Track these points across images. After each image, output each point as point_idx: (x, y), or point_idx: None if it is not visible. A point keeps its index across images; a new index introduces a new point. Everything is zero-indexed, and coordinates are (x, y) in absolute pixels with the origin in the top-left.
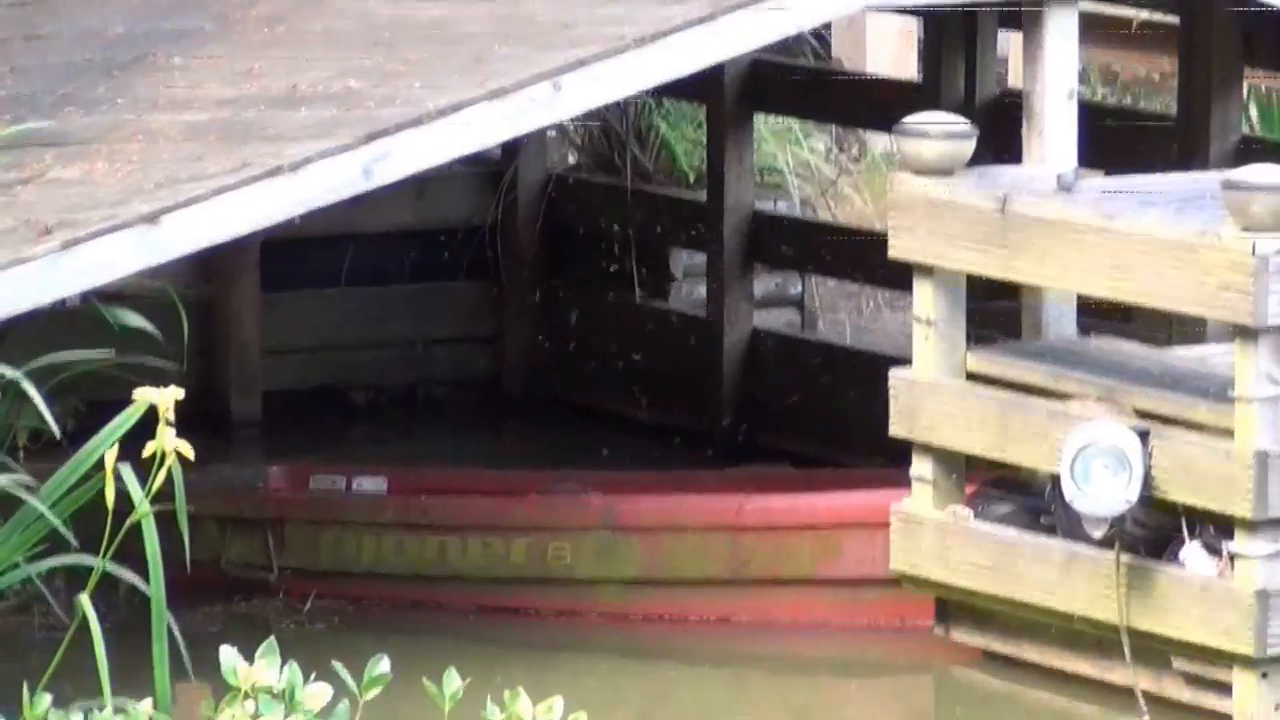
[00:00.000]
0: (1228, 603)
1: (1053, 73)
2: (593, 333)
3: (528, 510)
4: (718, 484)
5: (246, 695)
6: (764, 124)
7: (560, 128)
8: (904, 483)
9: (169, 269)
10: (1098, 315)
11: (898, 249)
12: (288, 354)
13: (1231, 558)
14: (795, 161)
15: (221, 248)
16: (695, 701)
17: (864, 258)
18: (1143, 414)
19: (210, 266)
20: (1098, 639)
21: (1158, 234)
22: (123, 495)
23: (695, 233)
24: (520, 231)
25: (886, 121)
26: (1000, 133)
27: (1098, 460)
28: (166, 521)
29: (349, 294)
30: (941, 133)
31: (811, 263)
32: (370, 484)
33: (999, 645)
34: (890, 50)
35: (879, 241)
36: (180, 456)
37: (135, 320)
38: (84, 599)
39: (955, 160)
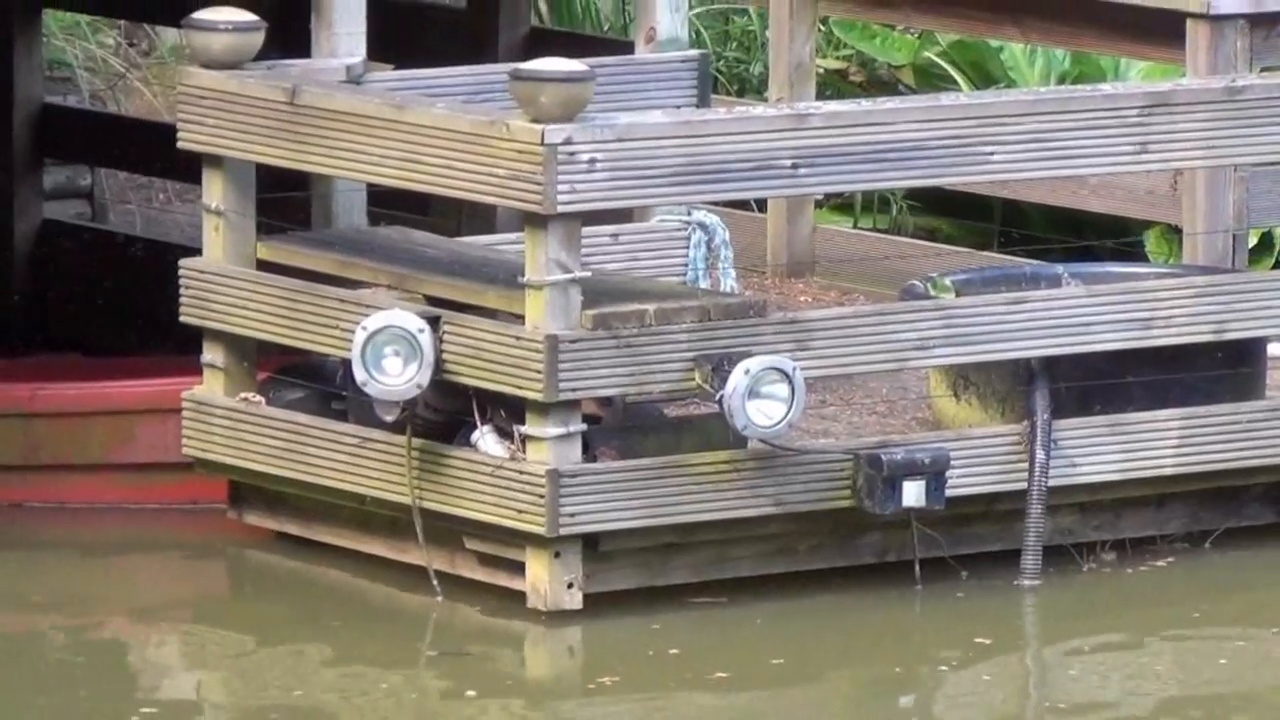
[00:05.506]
0: (520, 484)
1: None
2: None
3: None
4: (8, 372)
5: None
6: (52, 18)
7: None
8: (196, 370)
9: None
10: (392, 205)
11: (187, 140)
12: None
13: (523, 440)
14: (84, 55)
15: None
16: None
17: (154, 150)
18: (433, 300)
19: None
20: (391, 520)
21: (448, 124)
22: None
23: None
24: None
25: (177, 16)
26: (288, 29)
27: (389, 346)
28: None
29: None
30: (229, 26)
31: (101, 155)
32: None
33: (292, 527)
34: None
35: (168, 133)
36: None
37: None
38: None
39: (243, 53)
